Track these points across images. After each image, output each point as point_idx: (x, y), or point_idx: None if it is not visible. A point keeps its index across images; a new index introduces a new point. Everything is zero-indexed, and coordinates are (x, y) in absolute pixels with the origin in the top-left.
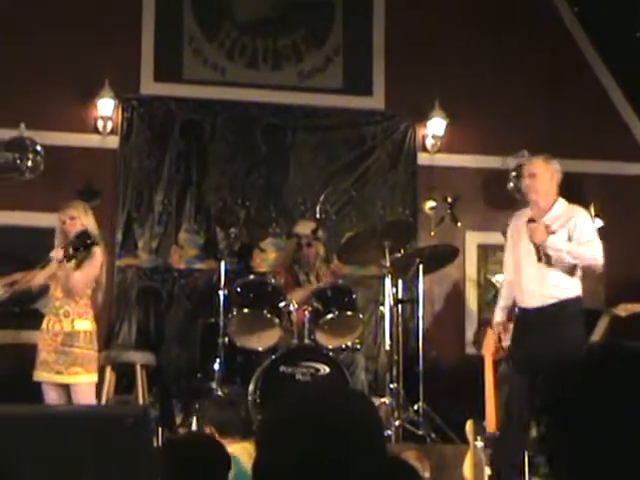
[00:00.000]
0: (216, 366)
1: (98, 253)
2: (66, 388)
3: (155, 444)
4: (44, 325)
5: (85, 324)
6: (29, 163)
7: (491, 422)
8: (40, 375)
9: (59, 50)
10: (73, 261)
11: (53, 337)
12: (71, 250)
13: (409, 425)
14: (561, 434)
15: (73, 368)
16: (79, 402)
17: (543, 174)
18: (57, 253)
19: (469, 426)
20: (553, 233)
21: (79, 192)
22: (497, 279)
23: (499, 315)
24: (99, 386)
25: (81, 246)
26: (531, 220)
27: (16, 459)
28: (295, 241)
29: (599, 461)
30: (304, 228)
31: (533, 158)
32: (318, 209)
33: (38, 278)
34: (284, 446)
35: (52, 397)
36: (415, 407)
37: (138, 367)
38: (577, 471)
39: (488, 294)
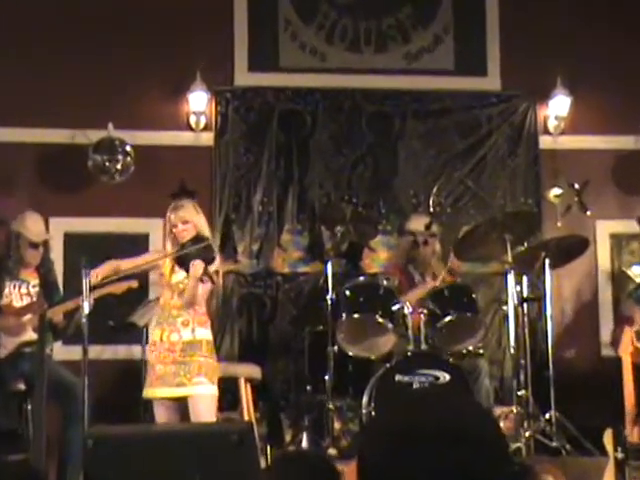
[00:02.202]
0: (326, 377)
1: (216, 259)
2: (178, 404)
3: (263, 463)
4: (156, 337)
5: (206, 332)
6: (119, 165)
7: (632, 431)
8: (156, 392)
9: (146, 43)
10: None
11: (170, 348)
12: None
13: (541, 436)
14: None
15: (197, 378)
16: (200, 415)
17: None
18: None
19: (607, 436)
20: None
21: (173, 194)
22: (634, 271)
23: None
24: None
25: (204, 258)
26: None
27: (127, 476)
28: (410, 239)
29: None
30: (418, 224)
31: None
32: (431, 202)
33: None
34: (391, 460)
35: (163, 415)
36: (547, 416)
37: (242, 381)
38: None
39: (624, 288)
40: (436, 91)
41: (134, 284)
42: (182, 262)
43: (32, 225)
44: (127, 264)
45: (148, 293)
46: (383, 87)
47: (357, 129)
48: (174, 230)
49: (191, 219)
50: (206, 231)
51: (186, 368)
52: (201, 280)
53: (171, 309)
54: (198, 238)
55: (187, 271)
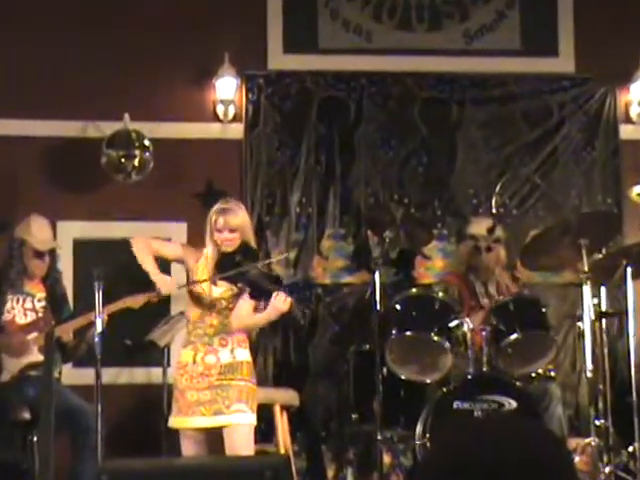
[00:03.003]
0: (374, 404)
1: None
2: (209, 435)
3: None
4: (187, 358)
5: (245, 354)
6: (136, 162)
7: None
8: (187, 422)
9: (166, 23)
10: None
11: (206, 371)
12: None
13: (622, 472)
14: None
15: (237, 405)
16: (237, 448)
17: None
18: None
19: None
20: None
21: (198, 195)
22: None
23: None
24: None
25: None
26: None
27: None
28: (470, 245)
29: None
30: (479, 228)
31: None
32: (494, 202)
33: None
34: None
35: (191, 448)
36: (629, 449)
37: (277, 408)
38: None
39: None
40: (499, 74)
41: (154, 297)
42: (231, 279)
43: (38, 231)
44: (161, 247)
45: (170, 308)
46: (438, 70)
47: (408, 119)
48: (217, 236)
49: (239, 227)
50: (252, 239)
51: (224, 394)
52: (291, 315)
53: (207, 327)
54: (246, 250)
55: (256, 299)
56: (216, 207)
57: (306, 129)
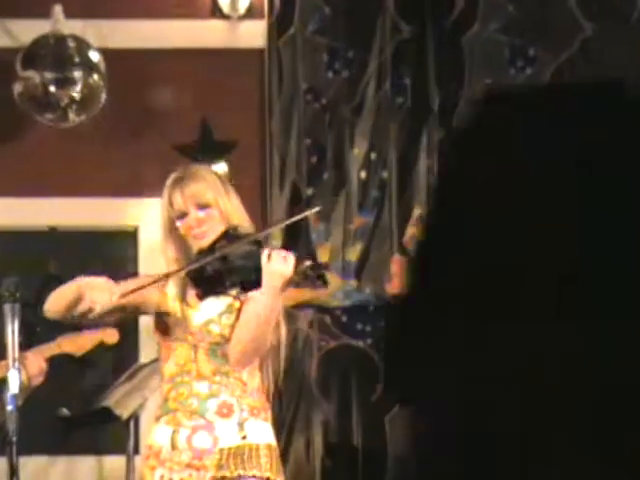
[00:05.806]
0: None
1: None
2: None
3: None
4: (162, 440)
5: (264, 430)
6: (75, 92)
7: None
8: None
9: None
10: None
11: (195, 462)
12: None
13: None
14: None
15: None
16: None
17: None
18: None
19: None
20: None
21: (185, 148)
22: None
23: None
24: None
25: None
26: None
27: None
28: None
29: None
30: None
31: None
32: None
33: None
34: None
35: None
36: None
37: None
38: None
39: None
40: None
41: (112, 336)
42: (212, 282)
43: None
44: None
45: (139, 353)
46: None
47: (558, 11)
48: (179, 224)
49: (215, 201)
50: (245, 222)
51: None
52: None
53: (193, 380)
54: (231, 234)
55: (248, 287)
56: (170, 178)
57: (377, 31)
